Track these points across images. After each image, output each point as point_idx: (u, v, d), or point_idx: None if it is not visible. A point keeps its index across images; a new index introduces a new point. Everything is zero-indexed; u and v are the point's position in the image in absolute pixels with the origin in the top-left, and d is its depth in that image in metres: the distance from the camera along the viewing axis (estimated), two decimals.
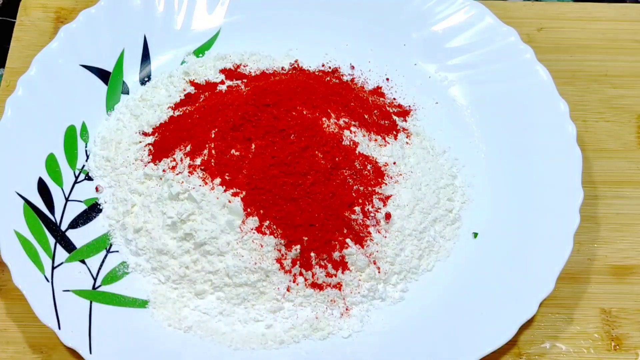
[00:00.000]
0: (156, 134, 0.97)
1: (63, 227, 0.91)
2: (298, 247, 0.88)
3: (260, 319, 0.87)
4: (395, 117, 1.00)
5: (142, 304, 0.88)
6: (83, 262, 0.90)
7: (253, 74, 1.03)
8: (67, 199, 0.94)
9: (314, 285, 0.88)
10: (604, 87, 1.08)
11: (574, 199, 0.90)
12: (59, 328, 0.83)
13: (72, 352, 0.85)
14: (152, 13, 1.07)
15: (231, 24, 1.09)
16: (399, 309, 0.88)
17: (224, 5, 1.09)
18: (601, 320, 0.91)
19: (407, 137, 0.99)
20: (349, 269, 0.88)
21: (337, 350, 0.85)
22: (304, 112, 0.92)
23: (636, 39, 1.13)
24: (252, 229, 0.88)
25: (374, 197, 0.91)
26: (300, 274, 0.88)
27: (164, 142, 0.95)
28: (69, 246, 0.90)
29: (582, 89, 1.08)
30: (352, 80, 1.04)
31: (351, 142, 0.92)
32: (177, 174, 0.91)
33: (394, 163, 0.94)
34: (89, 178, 0.96)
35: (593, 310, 0.91)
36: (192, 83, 1.03)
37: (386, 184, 0.92)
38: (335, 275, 0.88)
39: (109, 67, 1.03)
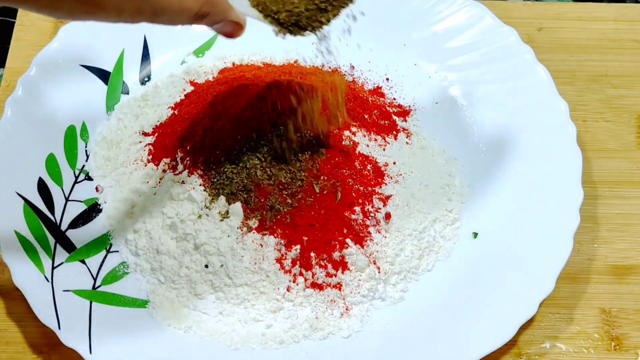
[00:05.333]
0: (156, 134, 0.97)
1: (63, 227, 0.91)
2: (298, 247, 0.88)
3: (260, 319, 0.87)
4: (395, 117, 1.00)
5: (142, 304, 0.88)
6: (83, 262, 0.90)
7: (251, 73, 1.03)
8: (67, 199, 0.94)
9: (314, 285, 0.88)
10: (604, 87, 1.08)
11: (574, 199, 0.90)
12: (59, 328, 0.83)
13: (72, 352, 0.85)
14: None
15: None
16: (399, 309, 0.88)
17: None
18: (601, 320, 0.91)
19: (407, 137, 0.99)
20: (349, 269, 0.88)
21: (337, 350, 0.85)
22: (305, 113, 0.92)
23: (636, 39, 1.13)
24: (252, 229, 0.88)
25: (374, 197, 0.91)
26: (300, 274, 0.88)
27: (164, 142, 0.95)
28: (69, 246, 0.90)
29: (582, 89, 1.08)
30: (353, 80, 1.04)
31: (351, 142, 0.92)
32: (177, 174, 0.91)
33: (394, 163, 0.94)
34: (89, 178, 0.96)
35: (593, 310, 0.92)
36: (192, 83, 1.03)
37: (386, 184, 0.92)
38: (335, 275, 0.88)
39: (109, 67, 1.03)
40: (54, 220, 0.91)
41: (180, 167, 0.92)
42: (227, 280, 0.87)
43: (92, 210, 0.94)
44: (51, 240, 0.90)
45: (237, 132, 0.91)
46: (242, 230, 0.88)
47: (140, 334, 0.85)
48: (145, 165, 0.95)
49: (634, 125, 1.06)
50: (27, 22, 1.13)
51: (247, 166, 0.89)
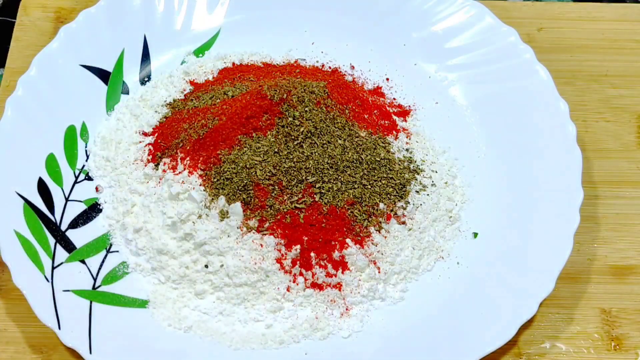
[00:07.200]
0: (156, 134, 0.97)
1: (63, 227, 0.91)
2: (298, 247, 0.88)
3: (260, 319, 0.87)
4: (395, 117, 1.00)
5: (142, 304, 0.88)
6: (83, 262, 0.90)
7: (252, 72, 1.03)
8: (67, 199, 0.94)
9: (314, 285, 0.88)
10: (604, 87, 1.08)
11: (574, 199, 0.90)
12: (59, 328, 0.83)
13: (72, 352, 0.85)
14: (152, 13, 1.07)
15: (231, 24, 1.09)
16: (399, 309, 0.88)
17: (224, 5, 1.09)
18: (601, 320, 0.91)
19: (407, 137, 0.99)
20: (349, 269, 0.88)
21: (337, 350, 0.85)
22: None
23: (636, 39, 1.13)
24: (252, 229, 0.88)
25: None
26: (300, 274, 0.88)
27: (164, 142, 0.95)
28: (69, 246, 0.90)
29: (582, 89, 1.08)
30: (353, 80, 1.04)
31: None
32: (177, 174, 0.91)
33: None
34: (89, 178, 0.96)
35: (593, 310, 0.92)
36: (192, 83, 1.03)
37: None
38: (335, 275, 0.88)
39: (109, 67, 1.03)
40: (54, 220, 0.91)
41: (180, 167, 0.92)
42: (227, 280, 0.87)
43: (92, 210, 0.94)
44: (51, 240, 0.90)
45: (237, 132, 0.91)
46: (242, 230, 0.88)
47: (140, 334, 0.85)
48: (145, 165, 0.95)
49: (634, 125, 1.06)
50: (27, 22, 1.13)
51: (247, 166, 0.89)
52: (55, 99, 0.98)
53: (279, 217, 0.88)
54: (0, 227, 0.88)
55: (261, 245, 0.88)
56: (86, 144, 0.98)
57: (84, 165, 0.97)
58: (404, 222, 0.91)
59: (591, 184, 1.00)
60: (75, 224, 0.92)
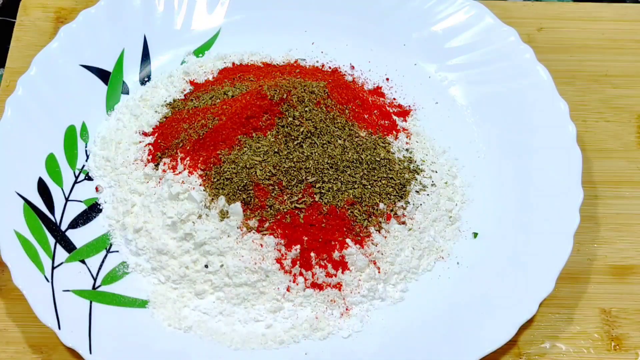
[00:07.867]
0: (156, 134, 0.97)
1: (63, 227, 0.91)
2: (298, 247, 0.88)
3: (260, 319, 0.87)
4: (395, 117, 1.00)
5: (142, 304, 0.88)
6: (83, 262, 0.90)
7: (251, 72, 1.03)
8: (67, 199, 0.94)
9: (314, 285, 0.88)
10: (604, 87, 1.08)
11: (574, 199, 0.90)
12: (59, 328, 0.83)
13: (72, 352, 0.85)
14: (152, 13, 1.07)
15: (231, 24, 1.09)
16: (399, 309, 0.88)
17: (224, 5, 1.09)
18: (601, 320, 0.91)
19: (407, 137, 0.99)
20: (349, 269, 0.88)
21: (337, 350, 0.85)
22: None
23: (636, 39, 1.13)
24: (252, 229, 0.88)
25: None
26: (300, 274, 0.88)
27: (164, 142, 0.95)
28: (69, 246, 0.90)
29: (582, 89, 1.08)
30: (353, 80, 1.04)
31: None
32: (177, 174, 0.91)
33: None
34: (89, 178, 0.96)
35: (593, 310, 0.92)
36: (192, 83, 1.03)
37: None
38: (335, 275, 0.88)
39: (109, 67, 1.03)
40: (54, 220, 0.91)
41: (180, 167, 0.92)
42: (227, 280, 0.87)
43: (92, 210, 0.94)
44: (51, 240, 0.90)
45: (237, 132, 0.91)
46: (242, 230, 0.88)
47: (140, 334, 0.85)
48: (145, 165, 0.95)
49: (634, 125, 1.06)
50: (27, 22, 1.13)
51: (247, 166, 0.89)
52: (55, 99, 0.98)
53: (279, 217, 0.88)
54: (0, 227, 0.88)
55: (261, 245, 0.88)
56: (86, 144, 0.98)
57: (84, 165, 0.97)
58: (404, 222, 0.91)
59: (591, 184, 1.00)
60: (75, 224, 0.92)
